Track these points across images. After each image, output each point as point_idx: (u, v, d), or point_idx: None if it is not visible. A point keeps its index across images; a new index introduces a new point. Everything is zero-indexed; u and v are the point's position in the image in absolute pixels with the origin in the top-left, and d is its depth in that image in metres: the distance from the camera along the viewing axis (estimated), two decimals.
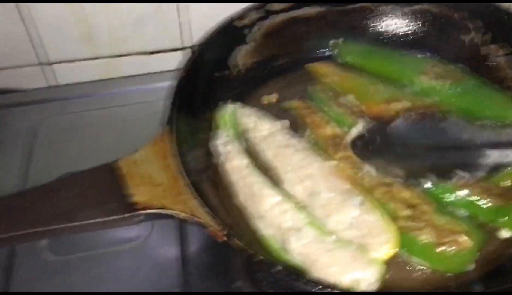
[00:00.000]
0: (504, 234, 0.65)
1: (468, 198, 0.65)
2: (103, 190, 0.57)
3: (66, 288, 0.64)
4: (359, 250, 0.59)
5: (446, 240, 0.61)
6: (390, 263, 0.62)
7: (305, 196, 0.65)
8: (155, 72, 0.94)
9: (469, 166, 0.65)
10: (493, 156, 0.64)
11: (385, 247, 0.60)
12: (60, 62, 0.92)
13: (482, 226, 0.64)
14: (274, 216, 0.61)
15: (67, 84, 0.93)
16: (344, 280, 0.56)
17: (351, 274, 0.57)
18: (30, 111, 0.86)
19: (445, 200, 0.66)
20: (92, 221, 0.55)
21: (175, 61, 0.91)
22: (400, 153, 0.68)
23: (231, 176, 0.68)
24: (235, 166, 0.67)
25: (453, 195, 0.66)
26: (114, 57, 0.93)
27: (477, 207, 0.65)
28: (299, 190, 0.65)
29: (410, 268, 0.62)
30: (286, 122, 0.74)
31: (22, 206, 0.55)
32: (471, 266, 0.62)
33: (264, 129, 0.72)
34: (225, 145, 0.70)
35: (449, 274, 0.61)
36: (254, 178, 0.65)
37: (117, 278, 0.66)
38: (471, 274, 0.61)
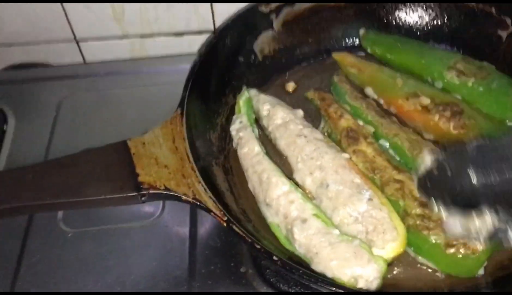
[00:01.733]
0: None
1: None
2: (111, 168, 0.59)
3: (77, 258, 0.67)
4: (362, 246, 0.57)
5: (456, 242, 0.59)
6: (397, 260, 0.61)
7: (314, 187, 0.64)
8: (183, 54, 0.94)
9: None
10: None
11: (390, 245, 0.59)
12: (91, 40, 0.94)
13: None
14: (281, 205, 0.61)
15: (95, 62, 0.96)
16: (343, 275, 0.56)
17: (351, 269, 0.56)
18: (57, 86, 0.88)
19: None
20: (98, 197, 0.57)
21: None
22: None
23: (243, 162, 0.68)
24: (247, 152, 0.67)
25: None
26: (143, 37, 0.94)
27: None
28: (308, 181, 0.65)
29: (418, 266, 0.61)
30: (300, 112, 0.73)
31: (33, 179, 0.57)
32: (480, 271, 0.60)
33: (278, 118, 0.71)
34: (238, 131, 0.70)
35: (456, 278, 0.60)
36: (264, 165, 0.65)
37: (126, 253, 0.67)
38: (480, 279, 0.60)
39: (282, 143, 0.70)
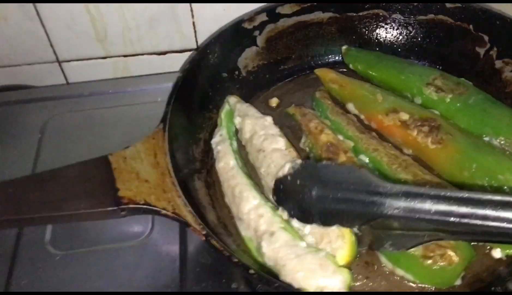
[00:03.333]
0: (497, 254, 0.63)
1: None
2: (91, 183, 0.60)
3: (66, 281, 0.66)
4: (328, 257, 0.58)
5: (433, 254, 0.60)
6: (374, 273, 0.62)
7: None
8: (166, 72, 0.95)
9: None
10: None
11: (339, 253, 0.59)
12: (73, 60, 0.94)
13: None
14: (251, 219, 0.62)
15: (78, 82, 0.96)
16: (308, 286, 0.56)
17: (316, 280, 0.56)
18: (41, 107, 0.89)
19: None
20: (78, 212, 0.57)
21: None
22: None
23: (220, 176, 0.69)
24: (223, 166, 0.68)
25: None
26: (126, 57, 0.95)
27: None
28: (270, 197, 0.65)
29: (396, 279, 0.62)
30: (268, 119, 0.73)
31: (13, 193, 0.58)
32: (458, 282, 0.61)
33: (246, 131, 0.72)
34: (217, 145, 0.71)
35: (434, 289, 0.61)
36: (238, 179, 0.66)
37: (116, 274, 0.67)
38: (457, 290, 0.60)
39: (251, 158, 0.71)
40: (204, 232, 0.57)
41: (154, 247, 0.70)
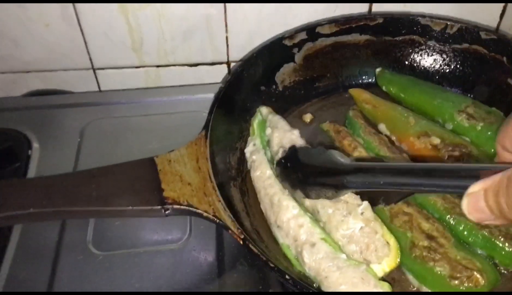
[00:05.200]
0: None
1: (487, 239, 0.66)
2: (138, 182, 0.63)
3: (107, 281, 0.69)
4: (369, 271, 0.61)
5: (459, 275, 0.62)
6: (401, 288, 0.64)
7: (312, 212, 0.67)
8: (196, 84, 0.98)
9: None
10: None
11: (384, 260, 0.63)
12: (107, 68, 0.97)
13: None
14: (290, 228, 0.64)
15: (111, 90, 0.99)
16: None
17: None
18: (78, 113, 0.92)
19: (464, 237, 0.67)
20: (125, 208, 0.60)
21: (217, 74, 0.97)
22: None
23: (255, 184, 0.71)
24: (259, 175, 0.71)
25: (473, 233, 0.67)
26: (159, 67, 0.98)
27: (495, 249, 0.66)
28: (307, 205, 0.68)
29: None
30: (295, 133, 0.74)
31: (65, 186, 0.61)
32: None
33: (274, 145, 0.73)
34: (252, 154, 0.74)
35: None
36: (275, 189, 0.68)
37: (157, 276, 0.70)
38: None
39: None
40: (242, 236, 0.59)
41: (192, 252, 0.72)
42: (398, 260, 0.64)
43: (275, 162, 0.70)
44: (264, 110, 0.80)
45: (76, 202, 0.60)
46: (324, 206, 0.65)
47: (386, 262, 0.62)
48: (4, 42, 0.92)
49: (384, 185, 0.55)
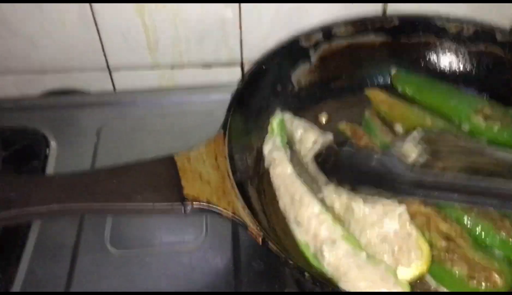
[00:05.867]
0: None
1: (504, 241, 0.66)
2: (160, 179, 0.63)
3: (125, 279, 0.70)
4: (388, 270, 0.61)
5: (477, 275, 0.62)
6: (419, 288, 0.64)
7: (342, 210, 0.68)
8: (211, 85, 0.98)
9: None
10: None
11: (415, 263, 0.63)
12: (123, 69, 0.98)
13: None
14: (311, 225, 0.65)
15: (125, 90, 1.00)
16: None
17: (378, 291, 0.59)
18: (95, 112, 0.93)
19: (482, 238, 0.67)
20: (146, 204, 0.61)
21: (231, 75, 0.98)
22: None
23: (275, 181, 0.72)
24: (280, 172, 0.71)
25: (490, 235, 0.66)
26: (173, 68, 0.98)
27: (510, 246, 0.65)
28: (337, 204, 0.68)
29: None
30: (330, 136, 0.76)
31: (85, 182, 0.62)
32: None
33: (309, 142, 0.75)
34: (271, 152, 0.75)
35: None
36: (297, 186, 0.68)
37: (175, 275, 0.70)
38: None
39: (312, 167, 0.73)
40: (261, 234, 0.59)
41: (208, 251, 0.73)
42: (428, 265, 0.64)
43: (315, 157, 0.72)
44: (286, 115, 0.81)
45: (96, 198, 0.60)
46: (360, 206, 0.65)
47: (416, 266, 0.62)
48: (21, 42, 0.93)
49: (442, 199, 0.61)
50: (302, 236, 0.65)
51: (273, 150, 0.75)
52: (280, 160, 0.73)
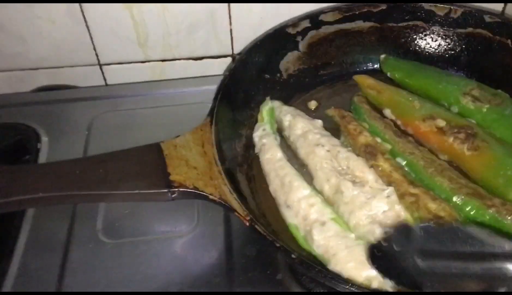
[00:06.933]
0: None
1: (494, 218, 0.66)
2: (146, 166, 0.63)
3: (117, 268, 0.70)
4: None
5: None
6: None
7: (331, 193, 0.68)
8: (202, 76, 0.99)
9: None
10: None
11: None
12: (113, 64, 0.98)
13: None
14: (301, 208, 0.65)
15: (118, 84, 1.00)
16: (358, 276, 0.59)
17: (366, 271, 0.59)
18: (86, 107, 0.93)
19: (471, 216, 0.67)
20: (133, 191, 0.61)
21: (222, 67, 0.98)
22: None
23: (265, 166, 0.72)
24: (269, 157, 0.72)
25: (480, 213, 0.66)
26: (164, 61, 0.98)
27: (503, 228, 0.65)
28: (326, 188, 0.69)
29: None
30: (319, 122, 0.77)
31: (74, 171, 0.62)
32: None
33: (298, 128, 0.75)
34: (261, 138, 0.75)
35: None
36: (286, 170, 0.69)
37: (166, 263, 0.70)
38: None
39: (302, 153, 0.74)
40: (248, 218, 0.60)
41: (200, 239, 0.73)
42: None
43: (368, 246, 0.60)
44: (276, 102, 0.82)
45: (85, 186, 0.61)
46: (349, 187, 0.66)
47: None
48: (12, 40, 0.93)
49: None
50: (292, 219, 0.66)
51: (263, 136, 0.76)
52: (270, 146, 0.73)
